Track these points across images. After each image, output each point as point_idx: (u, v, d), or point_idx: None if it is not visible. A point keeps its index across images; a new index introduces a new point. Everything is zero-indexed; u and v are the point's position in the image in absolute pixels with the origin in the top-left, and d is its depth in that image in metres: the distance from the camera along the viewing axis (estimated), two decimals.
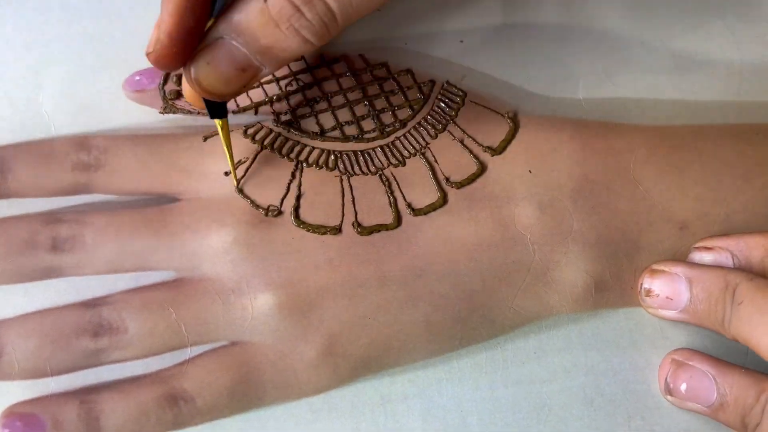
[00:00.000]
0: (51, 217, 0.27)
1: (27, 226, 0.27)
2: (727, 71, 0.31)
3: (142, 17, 0.30)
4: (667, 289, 0.27)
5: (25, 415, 0.26)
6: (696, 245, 0.28)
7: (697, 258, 0.27)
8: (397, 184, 0.28)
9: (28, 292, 0.28)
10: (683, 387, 0.26)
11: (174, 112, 0.29)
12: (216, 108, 0.26)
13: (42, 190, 0.28)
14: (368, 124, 0.29)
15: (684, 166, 0.29)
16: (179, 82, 0.29)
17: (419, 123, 0.29)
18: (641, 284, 0.28)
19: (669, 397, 0.27)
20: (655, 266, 0.27)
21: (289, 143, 0.29)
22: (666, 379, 0.27)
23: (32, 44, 0.30)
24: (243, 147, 0.28)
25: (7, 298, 0.27)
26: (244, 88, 0.24)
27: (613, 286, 0.28)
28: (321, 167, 0.28)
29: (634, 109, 0.31)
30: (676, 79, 0.31)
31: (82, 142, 0.28)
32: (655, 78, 0.31)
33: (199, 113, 0.29)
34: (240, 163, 0.28)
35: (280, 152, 0.28)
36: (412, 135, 0.29)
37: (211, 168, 0.28)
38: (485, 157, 0.28)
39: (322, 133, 0.29)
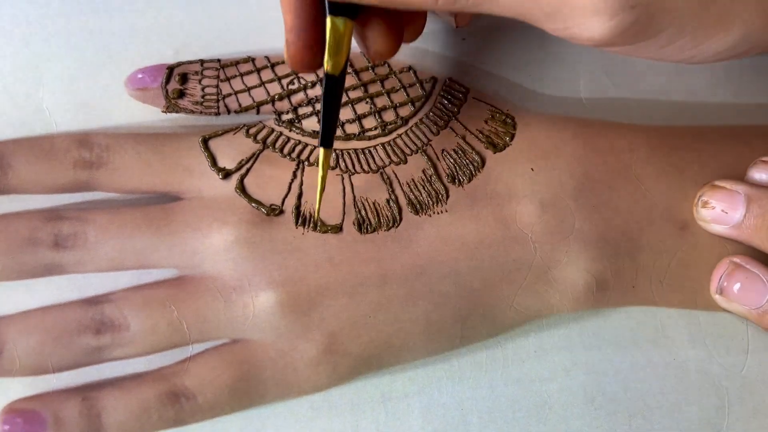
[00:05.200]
0: (52, 214, 0.27)
1: (28, 222, 0.27)
2: (726, 73, 0.32)
3: (143, 13, 0.30)
4: (724, 203, 0.27)
5: (26, 412, 0.26)
6: (759, 159, 0.28)
7: (756, 175, 0.28)
8: (399, 182, 0.28)
9: (30, 288, 0.28)
10: (736, 287, 0.27)
11: (176, 111, 0.29)
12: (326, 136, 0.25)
13: (43, 187, 0.28)
14: (370, 122, 0.29)
15: (684, 166, 0.29)
16: (182, 81, 0.29)
17: (421, 120, 0.29)
18: (699, 196, 0.28)
19: (718, 296, 0.28)
20: (717, 182, 0.28)
21: (291, 142, 0.29)
22: (720, 277, 0.27)
23: (31, 38, 0.30)
24: (245, 146, 0.28)
25: (8, 295, 0.27)
26: None
27: (614, 285, 0.28)
28: None
29: (635, 109, 0.31)
30: (676, 80, 0.31)
31: (83, 139, 0.28)
32: (655, 79, 0.31)
33: (201, 113, 0.29)
34: (241, 164, 0.28)
35: (281, 151, 0.29)
36: (413, 132, 0.29)
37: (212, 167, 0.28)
38: (487, 154, 0.29)
39: None
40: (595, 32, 0.21)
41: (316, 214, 0.27)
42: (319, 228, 0.27)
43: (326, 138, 0.25)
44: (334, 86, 0.24)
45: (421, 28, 0.27)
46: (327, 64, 0.24)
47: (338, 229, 0.27)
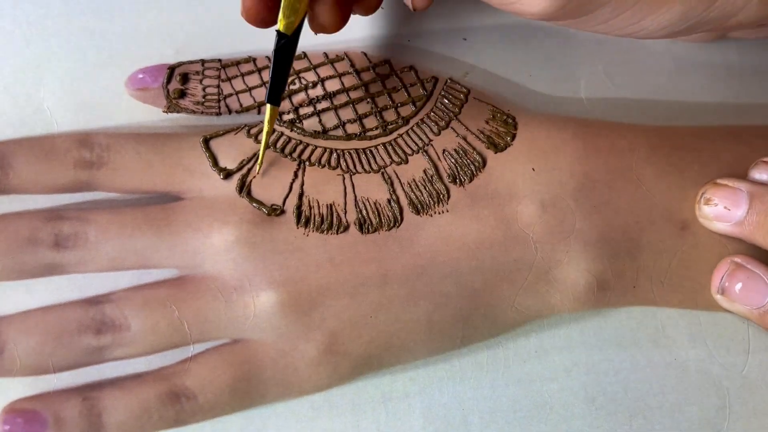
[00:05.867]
0: (53, 214, 0.27)
1: (28, 222, 0.27)
2: (726, 73, 0.32)
3: (144, 13, 0.30)
4: (727, 200, 0.27)
5: (26, 412, 0.26)
6: (760, 159, 0.28)
7: (757, 175, 0.28)
8: (400, 182, 0.28)
9: (30, 289, 0.27)
10: (738, 287, 0.27)
11: (177, 111, 0.29)
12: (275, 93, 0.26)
13: (43, 187, 0.28)
14: (371, 122, 0.29)
15: (684, 166, 0.29)
16: (183, 81, 0.29)
17: (422, 120, 0.29)
18: (702, 193, 0.28)
19: (719, 296, 0.28)
20: (720, 180, 0.28)
21: (292, 142, 0.29)
22: (722, 278, 0.27)
23: (32, 39, 0.30)
24: (246, 146, 0.28)
25: (9, 295, 0.27)
26: None
27: (614, 285, 0.28)
28: (323, 166, 0.28)
29: (635, 109, 0.31)
30: (676, 80, 0.31)
31: (84, 139, 0.28)
32: (655, 79, 0.31)
33: (202, 113, 0.29)
34: (242, 164, 0.28)
35: (282, 151, 0.29)
36: (414, 132, 0.29)
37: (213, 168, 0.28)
38: (488, 154, 0.29)
39: (324, 132, 0.29)
40: (537, 7, 0.23)
41: (258, 168, 0.28)
42: (322, 227, 0.27)
43: (273, 95, 0.26)
44: (285, 46, 0.25)
45: (375, 4, 0.28)
46: (280, 23, 0.25)
47: (344, 228, 0.27)
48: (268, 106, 0.26)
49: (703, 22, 0.24)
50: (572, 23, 0.25)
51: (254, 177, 0.28)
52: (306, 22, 0.26)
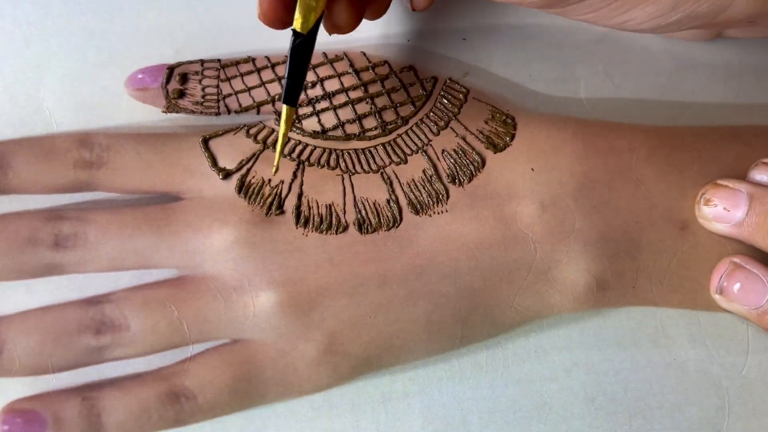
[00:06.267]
0: (52, 214, 0.27)
1: (28, 222, 0.27)
2: (726, 73, 0.32)
3: (144, 13, 0.30)
4: (726, 201, 0.27)
5: (26, 412, 0.26)
6: (760, 160, 0.28)
7: (757, 176, 0.28)
8: (399, 182, 0.28)
9: (30, 289, 0.28)
10: (736, 287, 0.27)
11: (177, 112, 0.29)
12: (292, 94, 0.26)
13: (43, 187, 0.28)
14: (370, 122, 0.29)
15: (684, 166, 0.29)
16: (182, 81, 0.29)
17: (421, 120, 0.29)
18: (701, 193, 0.28)
19: (718, 296, 0.28)
20: (720, 181, 0.28)
21: (291, 142, 0.29)
22: (720, 278, 0.27)
23: (32, 39, 0.30)
24: (245, 146, 0.28)
25: (8, 295, 0.27)
26: None
27: (614, 285, 0.28)
28: (323, 166, 0.28)
29: (635, 109, 0.31)
30: (676, 80, 0.31)
31: (83, 139, 0.28)
32: (655, 79, 0.31)
33: (201, 113, 0.29)
34: (242, 164, 0.28)
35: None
36: (414, 132, 0.29)
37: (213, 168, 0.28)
38: (487, 154, 0.29)
39: (323, 132, 0.29)
40: None
41: (273, 170, 0.27)
42: (322, 227, 0.27)
43: (290, 96, 0.25)
44: (301, 45, 0.25)
45: (385, 8, 0.28)
46: (296, 22, 0.24)
47: (343, 228, 0.27)
48: (285, 107, 0.26)
49: (693, 16, 0.24)
50: (563, 11, 0.25)
51: (270, 178, 0.28)
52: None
